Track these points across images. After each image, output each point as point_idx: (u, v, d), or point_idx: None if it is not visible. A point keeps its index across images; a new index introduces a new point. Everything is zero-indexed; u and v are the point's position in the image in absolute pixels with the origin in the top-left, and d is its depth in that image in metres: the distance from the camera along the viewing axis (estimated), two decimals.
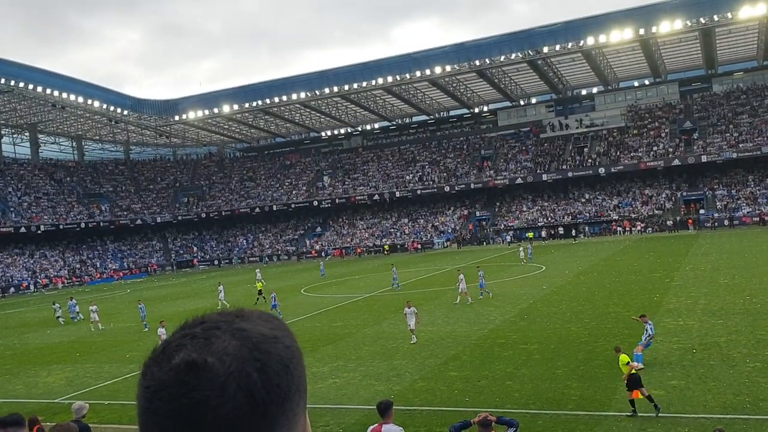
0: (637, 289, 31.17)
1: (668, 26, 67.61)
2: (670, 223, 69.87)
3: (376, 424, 9.44)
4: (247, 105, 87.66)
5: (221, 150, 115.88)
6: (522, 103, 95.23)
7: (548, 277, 39.47)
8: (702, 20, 67.11)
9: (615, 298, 29.12)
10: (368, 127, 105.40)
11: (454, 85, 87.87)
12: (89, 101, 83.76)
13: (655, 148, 78.47)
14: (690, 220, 69.45)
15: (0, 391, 22.08)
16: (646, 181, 78.79)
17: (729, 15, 65.91)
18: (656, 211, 73.72)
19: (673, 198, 75.36)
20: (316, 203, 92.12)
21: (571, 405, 15.02)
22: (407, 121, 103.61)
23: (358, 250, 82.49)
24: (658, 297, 28.14)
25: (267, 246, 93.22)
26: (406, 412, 15.02)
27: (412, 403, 16.26)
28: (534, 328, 23.99)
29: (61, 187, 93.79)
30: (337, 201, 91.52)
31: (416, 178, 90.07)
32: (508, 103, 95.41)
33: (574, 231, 72.91)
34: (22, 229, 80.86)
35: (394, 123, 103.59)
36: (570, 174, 79.88)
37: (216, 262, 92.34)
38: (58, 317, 40.11)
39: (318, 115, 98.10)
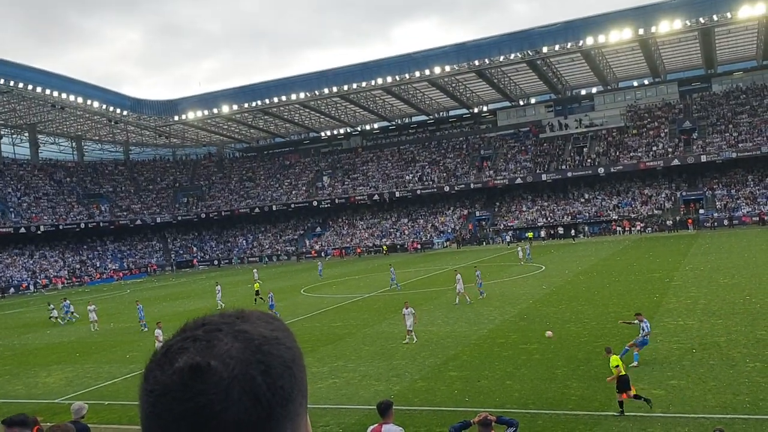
0: (637, 289, 31.18)
1: (667, 26, 67.62)
2: (669, 223, 69.89)
3: (376, 424, 9.45)
4: (246, 105, 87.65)
5: (221, 150, 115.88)
6: (521, 103, 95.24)
7: (548, 277, 39.48)
8: (701, 20, 67.11)
9: (615, 298, 29.14)
10: (368, 127, 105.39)
11: (454, 85, 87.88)
12: (89, 101, 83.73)
13: (654, 148, 78.50)
14: (689, 220, 69.47)
15: (0, 392, 22.07)
16: (645, 181, 78.81)
17: (728, 15, 65.92)
18: (656, 211, 73.75)
19: (672, 198, 75.38)
20: (315, 203, 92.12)
21: (571, 405, 15.03)
22: (407, 121, 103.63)
23: (358, 250, 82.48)
24: (658, 297, 28.15)
25: (267, 246, 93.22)
26: (406, 412, 15.03)
27: (412, 403, 16.26)
28: (534, 328, 23.98)
29: (60, 187, 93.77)
30: (336, 201, 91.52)
31: (416, 178, 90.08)
32: (507, 103, 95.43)
33: (573, 231, 72.94)
34: (22, 230, 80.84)
35: (394, 123, 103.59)
36: (569, 174, 79.89)
37: (216, 263, 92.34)
38: (51, 317, 40.22)
39: (317, 115, 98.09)
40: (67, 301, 41.55)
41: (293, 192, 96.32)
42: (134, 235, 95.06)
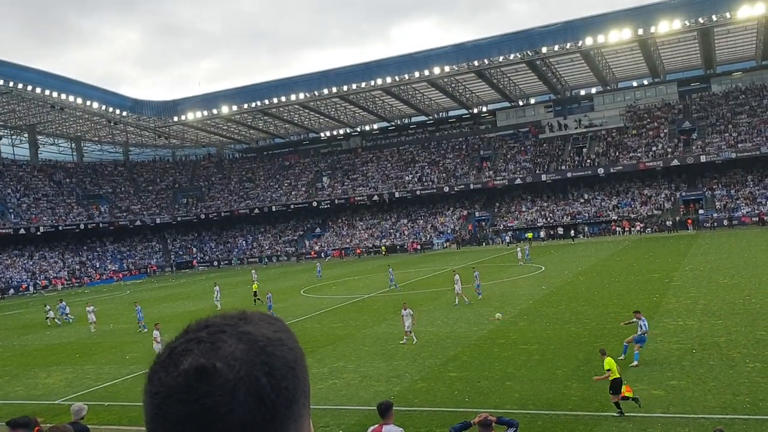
0: (637, 289, 31.19)
1: (667, 26, 67.63)
2: (669, 223, 69.90)
3: (377, 425, 9.46)
4: (246, 106, 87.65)
5: (220, 151, 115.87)
6: (521, 103, 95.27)
7: (548, 278, 39.49)
8: (700, 20, 67.13)
9: (614, 298, 29.14)
10: (367, 128, 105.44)
11: (453, 85, 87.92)
12: (88, 102, 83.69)
13: (654, 149, 78.53)
14: (689, 220, 69.47)
15: (0, 393, 22.07)
16: (645, 182, 78.83)
17: (727, 15, 65.94)
18: (655, 212, 73.76)
19: (672, 198, 75.40)
20: (315, 204, 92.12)
21: (571, 405, 15.04)
22: (406, 121, 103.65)
23: (358, 251, 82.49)
24: (658, 297, 28.16)
25: (266, 247, 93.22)
26: (406, 412, 15.03)
27: (412, 403, 16.27)
28: (534, 329, 24.01)
29: (60, 188, 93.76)
30: (336, 202, 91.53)
31: (415, 179, 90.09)
32: (507, 104, 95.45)
33: (573, 231, 72.96)
34: (22, 231, 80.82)
35: (393, 124, 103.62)
36: (569, 174, 79.91)
37: (215, 263, 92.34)
38: (48, 318, 40.26)
39: (317, 115, 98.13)
40: (63, 303, 41.56)
41: (293, 193, 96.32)
42: (134, 236, 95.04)
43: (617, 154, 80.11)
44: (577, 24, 71.74)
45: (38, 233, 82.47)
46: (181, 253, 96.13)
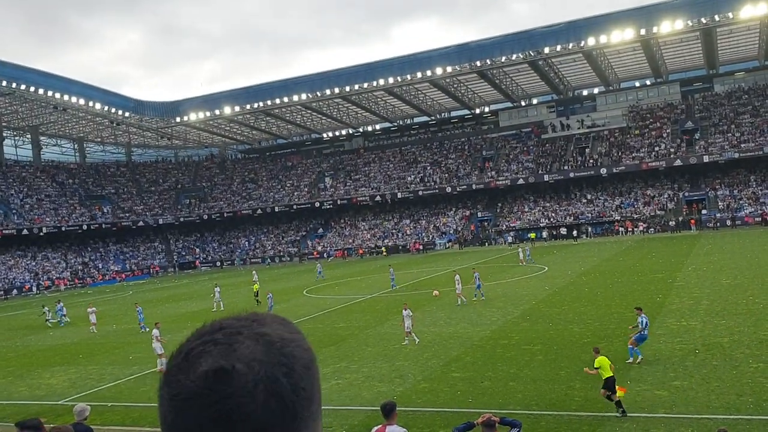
0: (640, 289, 31.14)
1: (669, 26, 67.56)
2: (672, 223, 69.83)
3: (380, 425, 9.46)
4: (248, 106, 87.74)
5: (223, 151, 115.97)
6: (523, 103, 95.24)
7: (550, 278, 39.46)
8: (703, 20, 67.04)
9: (617, 298, 29.10)
10: (370, 129, 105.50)
11: (456, 85, 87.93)
12: (90, 103, 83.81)
13: (656, 149, 78.44)
14: (692, 221, 69.36)
15: (3, 393, 22.11)
16: (648, 182, 78.73)
17: (730, 15, 65.85)
18: (658, 212, 73.67)
19: (675, 198, 75.30)
20: (317, 204, 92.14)
21: (575, 406, 15.03)
22: (408, 122, 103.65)
23: (360, 251, 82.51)
24: (661, 297, 28.12)
25: (269, 247, 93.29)
26: (409, 413, 15.03)
27: (415, 404, 16.27)
28: (537, 329, 23.99)
29: (63, 189, 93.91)
30: (338, 202, 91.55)
31: (418, 179, 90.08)
32: (509, 104, 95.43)
33: (575, 232, 72.89)
34: (25, 231, 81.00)
35: (396, 124, 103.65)
36: (572, 174, 79.84)
37: (218, 264, 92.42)
38: (47, 320, 40.32)
39: (319, 116, 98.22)
40: (61, 304, 41.57)
41: (295, 193, 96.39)
42: (136, 237, 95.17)
43: (620, 154, 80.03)
44: (579, 24, 71.70)
45: (41, 234, 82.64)
46: (183, 253, 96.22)
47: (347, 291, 43.45)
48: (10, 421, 16.88)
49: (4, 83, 75.32)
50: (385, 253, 79.51)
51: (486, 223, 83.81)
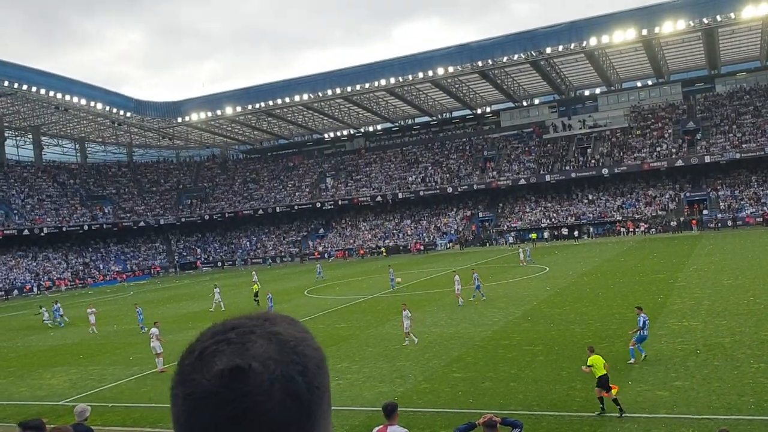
0: (641, 290, 31.10)
1: (671, 26, 67.53)
2: (673, 223, 69.77)
3: (381, 426, 9.44)
4: (249, 107, 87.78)
5: (224, 152, 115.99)
6: (525, 104, 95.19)
7: (552, 278, 39.42)
8: (705, 20, 67.00)
9: (619, 299, 29.07)
10: (371, 129, 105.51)
11: (457, 86, 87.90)
12: (92, 103, 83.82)
13: (658, 149, 78.38)
14: (693, 221, 69.31)
15: (4, 394, 22.11)
16: (649, 182, 78.67)
17: (732, 15, 65.78)
18: (660, 212, 73.60)
19: (676, 199, 75.24)
20: (319, 205, 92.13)
21: (576, 407, 15.01)
22: (410, 122, 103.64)
23: (361, 252, 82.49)
24: (662, 298, 28.09)
25: (270, 248, 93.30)
26: (410, 413, 15.01)
27: (416, 404, 16.26)
28: (538, 330, 23.97)
29: (64, 189, 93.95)
30: (339, 202, 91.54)
31: (419, 180, 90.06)
32: (510, 104, 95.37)
33: (576, 232, 72.83)
34: (26, 232, 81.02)
35: (397, 124, 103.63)
36: (573, 175, 79.76)
37: (219, 264, 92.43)
38: (44, 320, 40.30)
39: (321, 116, 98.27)
40: (58, 304, 41.48)
41: (296, 194, 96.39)
42: (137, 237, 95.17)
43: (621, 154, 79.98)
44: (581, 24, 71.66)
45: (42, 234, 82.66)
46: (184, 254, 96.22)
47: (348, 291, 43.43)
48: (11, 422, 16.91)
49: (6, 83, 75.40)
50: (385, 254, 79.43)
51: (487, 224, 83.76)
